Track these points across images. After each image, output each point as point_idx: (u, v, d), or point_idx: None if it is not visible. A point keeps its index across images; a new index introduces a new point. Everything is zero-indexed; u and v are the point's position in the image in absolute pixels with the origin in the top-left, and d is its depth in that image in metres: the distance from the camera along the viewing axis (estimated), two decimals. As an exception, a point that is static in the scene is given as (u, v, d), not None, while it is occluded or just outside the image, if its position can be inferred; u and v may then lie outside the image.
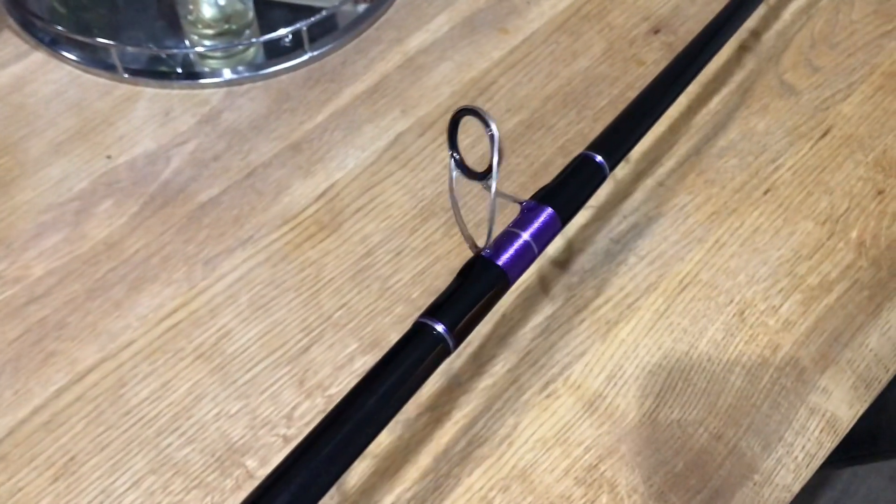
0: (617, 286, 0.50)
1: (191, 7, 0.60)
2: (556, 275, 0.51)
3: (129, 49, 0.60)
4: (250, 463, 0.44)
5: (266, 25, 0.62)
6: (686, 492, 0.43)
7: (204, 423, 0.46)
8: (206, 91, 0.60)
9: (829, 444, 0.45)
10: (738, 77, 0.60)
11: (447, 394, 0.46)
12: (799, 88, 0.59)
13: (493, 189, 0.34)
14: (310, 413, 0.46)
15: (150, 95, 0.59)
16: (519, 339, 0.48)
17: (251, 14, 0.61)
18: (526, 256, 0.36)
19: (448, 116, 0.57)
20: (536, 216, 0.37)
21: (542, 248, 0.37)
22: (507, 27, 0.63)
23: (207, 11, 0.60)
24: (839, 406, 0.46)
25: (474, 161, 0.55)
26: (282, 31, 0.60)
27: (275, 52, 0.61)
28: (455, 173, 0.35)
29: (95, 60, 0.60)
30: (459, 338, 0.33)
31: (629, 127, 0.43)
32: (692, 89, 0.59)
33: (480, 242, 0.36)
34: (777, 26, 0.63)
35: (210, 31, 0.60)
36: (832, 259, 0.51)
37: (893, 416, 0.72)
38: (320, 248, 0.52)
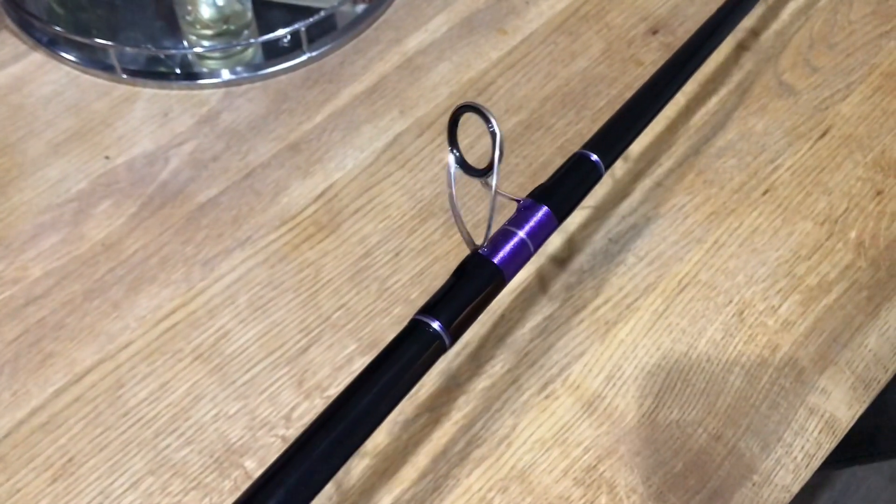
0: (616, 286, 0.50)
1: (189, 7, 0.60)
2: (554, 275, 0.51)
3: (128, 49, 0.60)
4: (249, 464, 0.44)
5: (264, 26, 0.62)
6: (685, 492, 0.43)
7: (202, 423, 0.46)
8: (205, 92, 0.60)
9: (828, 444, 0.45)
10: (737, 77, 0.60)
11: (446, 394, 0.46)
12: (798, 89, 0.59)
13: (494, 185, 0.34)
14: (308, 414, 0.46)
15: (149, 96, 0.59)
16: (518, 340, 0.48)
17: (250, 14, 0.61)
18: (522, 254, 0.36)
19: (447, 117, 0.58)
20: (532, 214, 0.37)
21: (537, 246, 0.37)
22: (505, 28, 0.63)
23: (206, 12, 0.60)
24: (838, 406, 0.46)
25: (474, 160, 0.55)
26: (280, 32, 0.60)
27: (273, 52, 0.61)
28: (454, 170, 0.35)
29: (94, 61, 0.60)
30: (455, 335, 0.33)
31: (625, 126, 0.43)
32: (690, 89, 0.59)
33: (479, 241, 0.36)
34: (775, 26, 0.63)
35: (208, 32, 0.60)
36: (831, 259, 0.51)
37: (892, 417, 0.72)
38: (319, 249, 0.52)
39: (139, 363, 0.48)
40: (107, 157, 0.56)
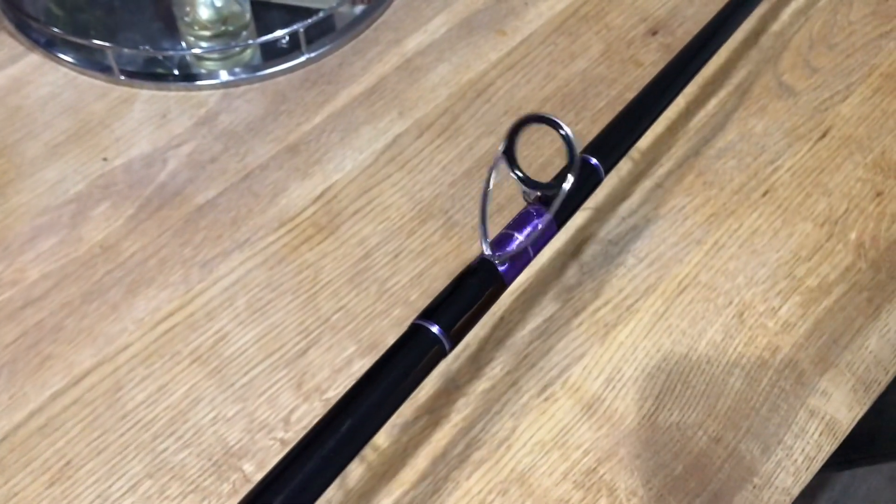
0: (615, 288, 0.50)
1: (187, 9, 0.60)
2: (554, 277, 0.51)
3: (126, 51, 0.60)
4: (247, 467, 0.44)
5: (263, 27, 0.62)
6: (685, 495, 0.43)
7: (201, 426, 0.45)
8: (203, 93, 0.59)
9: (829, 446, 0.45)
10: (737, 78, 0.60)
11: (445, 397, 0.46)
12: (797, 89, 0.59)
13: (564, 192, 0.33)
14: (307, 416, 0.46)
15: (147, 97, 0.59)
16: (517, 342, 0.48)
17: (248, 15, 0.61)
18: (522, 258, 0.36)
19: (446, 118, 0.58)
20: (532, 218, 0.37)
21: (537, 250, 0.37)
22: (504, 29, 0.63)
23: (204, 13, 0.60)
24: (839, 409, 0.46)
25: (471, 162, 0.55)
26: (279, 33, 0.60)
27: (272, 53, 0.61)
28: (493, 178, 0.34)
29: (91, 62, 0.60)
30: (455, 339, 0.33)
31: (625, 129, 0.43)
32: (690, 90, 0.59)
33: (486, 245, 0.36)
34: (775, 27, 0.63)
35: (207, 33, 0.60)
36: (831, 261, 0.51)
37: (893, 419, 0.72)
38: (318, 251, 0.52)
39: (137, 366, 0.47)
40: (105, 159, 0.56)
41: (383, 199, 0.54)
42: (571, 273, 0.51)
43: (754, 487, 0.44)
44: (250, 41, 0.61)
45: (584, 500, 0.43)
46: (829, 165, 0.55)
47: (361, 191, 0.54)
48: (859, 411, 0.46)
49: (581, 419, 0.45)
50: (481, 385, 0.47)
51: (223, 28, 0.60)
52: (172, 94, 0.59)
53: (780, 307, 0.49)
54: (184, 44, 0.61)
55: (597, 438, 0.45)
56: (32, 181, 0.55)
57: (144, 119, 0.58)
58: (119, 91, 0.60)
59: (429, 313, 0.33)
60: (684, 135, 0.57)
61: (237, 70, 0.60)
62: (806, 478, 0.44)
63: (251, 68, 0.60)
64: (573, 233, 0.52)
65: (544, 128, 0.58)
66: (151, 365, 0.47)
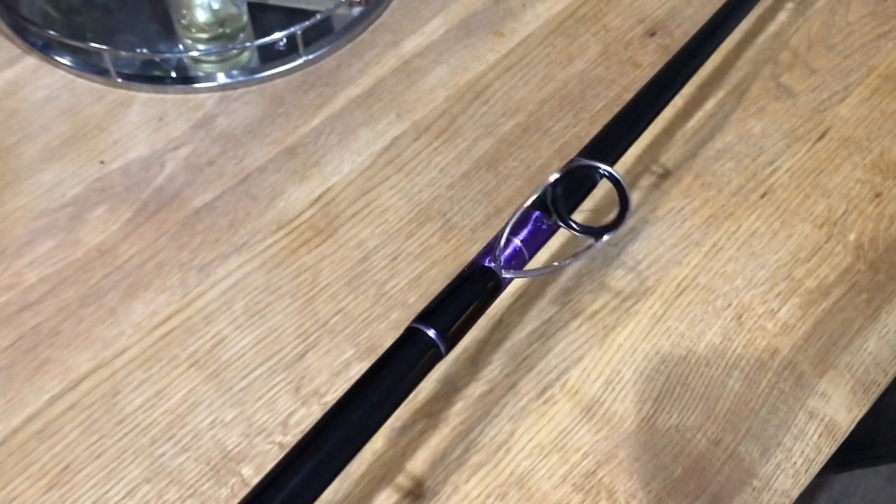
0: (614, 290, 0.50)
1: (184, 11, 0.59)
2: (552, 279, 0.50)
3: (123, 53, 0.60)
4: (246, 471, 0.44)
5: (260, 29, 0.62)
6: (685, 497, 0.43)
7: (199, 431, 0.45)
8: (200, 95, 0.59)
9: (828, 449, 0.45)
10: (735, 79, 0.60)
11: (444, 400, 0.46)
12: (796, 90, 0.59)
13: (609, 238, 0.34)
14: (306, 420, 0.46)
15: (144, 100, 0.59)
16: (516, 345, 0.48)
17: (245, 18, 0.61)
18: (516, 260, 0.36)
19: (444, 120, 0.57)
20: (528, 221, 0.37)
21: (532, 253, 0.37)
22: (502, 30, 0.63)
23: (201, 15, 0.60)
24: (838, 410, 0.46)
25: (468, 169, 0.55)
26: (276, 35, 0.60)
27: (269, 55, 0.61)
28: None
29: (88, 65, 0.60)
30: (451, 343, 0.33)
31: (621, 132, 0.43)
32: (688, 92, 0.59)
33: (476, 249, 0.36)
34: (773, 28, 0.63)
35: (204, 35, 0.60)
36: (830, 262, 0.51)
37: (892, 421, 0.72)
38: (316, 254, 0.52)
39: (135, 370, 0.47)
40: (102, 162, 0.56)
41: (381, 202, 0.54)
42: (570, 275, 0.51)
43: (753, 490, 0.43)
44: (247, 43, 0.61)
45: (583, 503, 0.43)
46: (827, 166, 0.55)
47: (359, 193, 0.54)
48: (858, 413, 0.46)
49: (580, 422, 0.45)
50: (480, 388, 0.46)
51: (220, 30, 0.60)
52: (169, 96, 0.59)
53: (779, 309, 0.49)
54: (181, 46, 0.61)
55: (596, 441, 0.45)
56: (29, 184, 0.55)
57: (141, 122, 0.58)
58: (116, 94, 0.59)
59: (425, 316, 0.33)
60: (682, 136, 0.57)
61: (234, 72, 0.60)
62: (805, 480, 0.44)
63: (248, 71, 0.60)
64: (571, 235, 0.52)
65: (542, 131, 0.58)
66: (149, 369, 0.47)
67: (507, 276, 0.35)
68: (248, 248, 0.52)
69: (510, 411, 0.46)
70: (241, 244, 0.52)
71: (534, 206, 0.38)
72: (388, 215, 0.53)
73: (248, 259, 0.51)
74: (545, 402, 0.46)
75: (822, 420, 0.45)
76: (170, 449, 0.45)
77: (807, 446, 0.45)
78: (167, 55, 0.61)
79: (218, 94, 0.59)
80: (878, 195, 0.54)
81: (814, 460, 0.44)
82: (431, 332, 0.33)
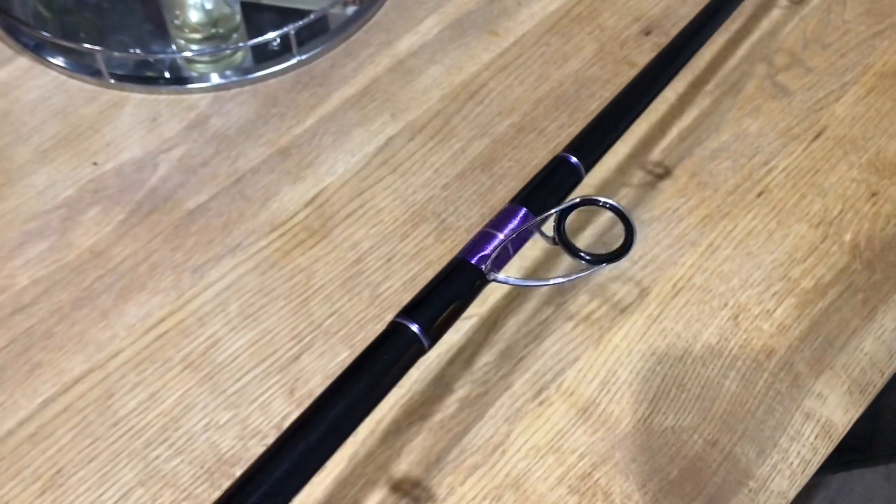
0: (610, 291, 0.50)
1: (177, 11, 0.59)
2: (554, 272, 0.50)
3: (116, 54, 0.59)
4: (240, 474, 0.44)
5: (254, 29, 0.61)
6: (681, 499, 0.43)
7: (193, 433, 0.45)
8: (194, 96, 0.59)
9: (825, 449, 0.45)
10: (731, 78, 0.59)
11: (439, 401, 0.46)
12: (792, 89, 0.59)
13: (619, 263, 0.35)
14: (300, 423, 0.45)
15: (137, 101, 0.59)
16: (511, 346, 0.48)
17: (238, 18, 0.60)
18: (501, 257, 0.36)
19: (438, 120, 0.57)
20: (512, 217, 0.37)
21: (517, 248, 0.37)
22: (497, 29, 0.63)
23: (194, 15, 0.59)
24: (834, 411, 0.46)
25: (462, 169, 0.55)
26: (270, 35, 0.60)
27: (263, 56, 0.61)
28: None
29: (81, 66, 0.60)
30: (435, 337, 0.33)
31: (605, 129, 0.43)
32: (684, 91, 0.59)
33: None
34: (769, 27, 0.63)
35: (197, 36, 0.60)
36: (826, 262, 0.51)
37: (888, 421, 0.71)
38: (310, 255, 0.51)
39: (129, 372, 0.47)
40: (95, 164, 0.56)
41: (376, 203, 0.54)
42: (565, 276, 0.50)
43: (750, 491, 0.43)
44: (241, 44, 0.60)
45: (579, 505, 0.43)
46: (823, 166, 0.55)
47: (354, 194, 0.54)
48: (855, 413, 0.46)
49: (576, 423, 0.45)
50: (475, 389, 0.46)
51: (213, 31, 0.60)
52: (163, 97, 0.59)
53: (775, 309, 0.49)
54: (174, 47, 0.61)
55: (592, 443, 0.45)
56: (21, 186, 0.54)
57: (135, 123, 0.58)
58: (109, 95, 0.59)
59: (409, 311, 0.33)
60: (678, 135, 0.56)
61: (228, 73, 0.60)
62: (802, 481, 0.44)
63: (242, 71, 0.60)
64: (568, 234, 0.52)
65: (537, 131, 0.57)
66: (143, 371, 0.47)
67: (492, 278, 0.36)
68: (242, 249, 0.52)
69: (506, 413, 0.46)
70: (234, 245, 0.52)
71: (520, 202, 0.38)
72: (383, 216, 0.53)
73: (241, 260, 0.51)
74: (541, 403, 0.46)
75: (818, 421, 0.45)
76: (164, 452, 0.44)
77: (803, 447, 0.45)
78: (160, 56, 0.61)
79: (211, 95, 0.59)
80: (874, 194, 0.53)
81: (810, 461, 0.44)
82: (415, 327, 0.33)
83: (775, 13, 0.63)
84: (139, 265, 0.51)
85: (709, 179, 0.54)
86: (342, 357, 0.47)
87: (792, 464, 0.44)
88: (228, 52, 0.60)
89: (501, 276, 0.36)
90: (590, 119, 0.57)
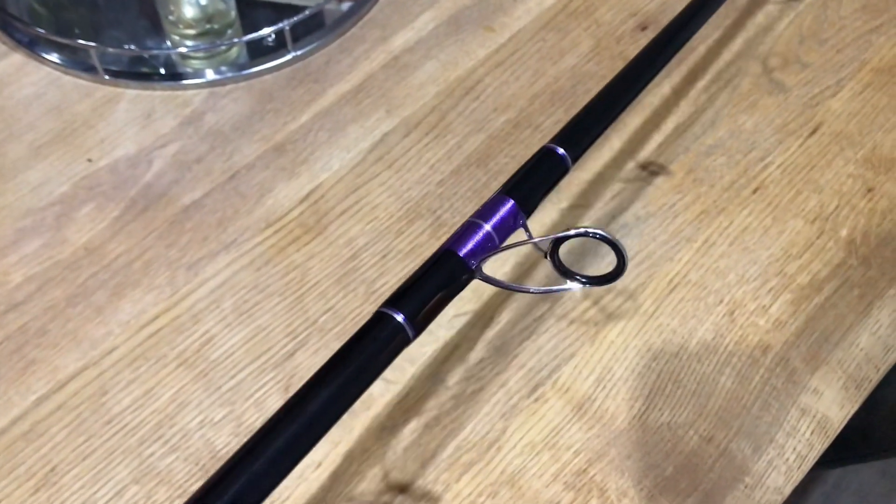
0: (605, 287, 0.50)
1: (172, 7, 0.59)
2: (544, 276, 0.50)
3: (110, 50, 0.59)
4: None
5: (249, 25, 0.61)
6: (677, 495, 0.43)
7: (188, 430, 0.45)
8: (189, 92, 0.59)
9: (820, 445, 0.45)
10: (727, 74, 0.59)
11: (434, 398, 0.46)
12: (788, 85, 0.59)
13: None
14: (295, 420, 0.45)
15: (132, 97, 0.59)
16: (507, 343, 0.48)
17: (233, 13, 0.60)
18: (486, 246, 0.36)
19: (434, 116, 0.57)
20: (499, 207, 0.37)
21: (503, 238, 0.37)
22: (493, 25, 0.62)
23: (189, 11, 0.59)
24: (830, 407, 0.46)
25: (458, 165, 0.55)
26: (265, 31, 0.59)
27: (258, 51, 0.60)
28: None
29: (75, 62, 0.59)
30: (419, 328, 0.33)
31: (592, 120, 0.43)
32: (679, 87, 0.59)
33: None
34: (765, 22, 0.62)
35: (192, 32, 0.59)
36: (822, 258, 0.51)
37: (885, 417, 0.71)
38: (305, 252, 0.51)
39: (123, 369, 0.47)
40: (89, 160, 0.55)
41: (371, 199, 0.53)
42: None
43: (746, 487, 0.43)
44: (236, 39, 0.60)
45: (574, 501, 0.43)
46: (819, 162, 0.55)
47: (349, 190, 0.54)
48: (851, 409, 0.46)
49: (571, 420, 0.45)
50: (471, 386, 0.46)
51: (208, 26, 0.59)
52: (157, 93, 0.59)
53: (770, 305, 0.49)
54: (169, 43, 0.61)
55: (587, 439, 0.45)
56: (15, 183, 0.54)
57: (129, 119, 0.57)
58: (103, 91, 0.59)
59: (393, 301, 0.33)
60: (674, 132, 0.56)
61: (223, 69, 0.59)
62: (798, 476, 0.44)
63: (237, 67, 0.60)
64: (562, 230, 0.52)
65: (532, 127, 0.57)
66: (137, 369, 0.47)
67: (479, 276, 0.36)
68: (237, 246, 0.51)
69: (501, 409, 0.45)
70: (229, 242, 0.51)
71: (507, 192, 0.38)
72: (378, 212, 0.53)
73: (236, 257, 0.51)
74: (536, 399, 0.46)
75: (814, 416, 0.45)
76: (158, 449, 0.44)
77: (799, 443, 0.45)
78: (155, 51, 0.60)
79: (206, 91, 0.59)
80: (870, 190, 0.53)
81: (806, 457, 0.44)
82: (399, 317, 0.33)
83: (771, 9, 0.63)
84: (133, 262, 0.51)
85: (704, 175, 0.54)
86: (337, 354, 0.47)
87: (788, 459, 0.44)
88: (223, 47, 0.60)
89: (489, 273, 0.36)
90: (585, 115, 0.57)
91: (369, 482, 0.43)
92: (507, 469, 0.44)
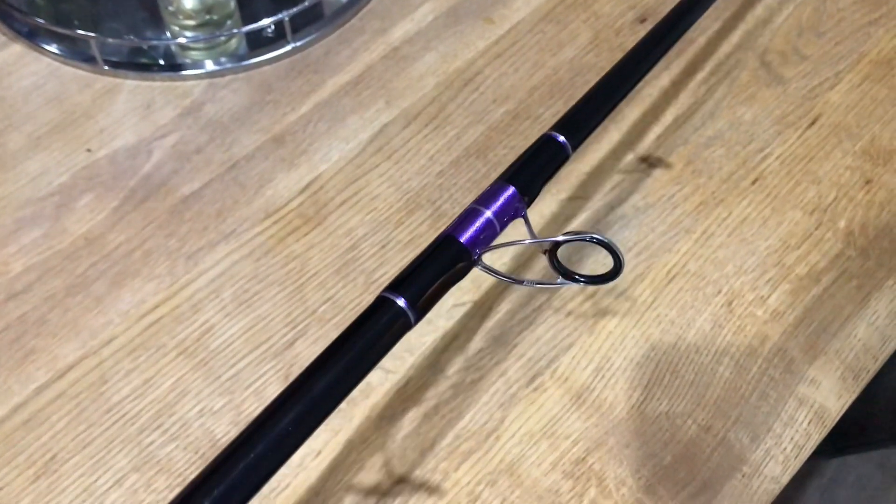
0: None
1: (171, -2, 0.59)
2: (543, 266, 0.50)
3: (110, 41, 0.59)
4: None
5: (248, 16, 0.61)
6: (675, 484, 0.43)
7: (187, 419, 0.45)
8: (188, 83, 0.59)
9: (818, 435, 0.45)
10: (726, 66, 0.59)
11: (433, 388, 0.46)
12: (786, 77, 0.59)
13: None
14: (295, 409, 0.45)
15: (131, 88, 0.59)
16: (506, 333, 0.48)
17: (233, 4, 0.60)
18: (487, 232, 0.36)
19: (433, 107, 0.57)
20: (499, 194, 0.37)
21: (503, 225, 0.37)
22: (492, 16, 0.62)
23: (188, 2, 0.59)
24: (828, 397, 0.46)
25: (457, 156, 0.55)
26: (264, 22, 0.59)
27: (257, 42, 0.60)
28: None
29: (75, 52, 0.59)
30: (421, 313, 0.34)
31: (593, 107, 0.43)
32: (678, 78, 0.59)
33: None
34: (764, 15, 0.62)
35: (191, 22, 0.59)
36: (820, 249, 0.51)
37: (882, 406, 0.72)
38: (305, 242, 0.51)
39: (123, 359, 0.47)
40: (88, 150, 0.55)
41: (370, 190, 0.53)
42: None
43: (743, 476, 0.43)
44: (235, 30, 0.60)
45: (573, 490, 0.43)
46: (818, 153, 0.55)
47: (348, 181, 0.54)
48: (848, 399, 0.46)
49: (570, 409, 0.45)
50: (469, 376, 0.46)
51: (208, 17, 0.59)
52: (157, 84, 0.59)
53: (769, 296, 0.49)
54: (168, 33, 0.60)
55: (586, 428, 0.45)
56: (15, 173, 0.54)
57: (129, 110, 0.57)
58: (103, 81, 0.59)
59: (395, 286, 0.34)
60: (673, 123, 0.56)
61: (222, 60, 0.59)
62: (795, 466, 0.44)
63: (236, 58, 0.60)
64: (562, 222, 0.52)
65: (532, 118, 0.57)
66: (137, 358, 0.47)
67: (480, 265, 0.36)
68: (236, 236, 0.51)
69: (500, 399, 0.46)
70: (229, 232, 0.52)
71: (507, 179, 0.38)
72: (378, 203, 0.53)
73: (236, 247, 0.51)
74: (535, 389, 0.46)
75: (811, 406, 0.45)
76: (158, 438, 0.44)
77: (796, 433, 0.45)
78: (154, 42, 0.60)
79: (205, 82, 0.59)
80: (868, 182, 0.54)
81: (803, 447, 0.44)
82: (401, 301, 0.33)
83: (770, 1, 0.63)
84: (133, 252, 0.51)
85: (703, 167, 0.54)
86: (337, 343, 0.47)
87: (785, 449, 0.44)
88: (223, 38, 0.60)
89: (489, 263, 0.36)
90: (585, 106, 0.57)
91: (368, 471, 0.44)
92: (506, 458, 0.44)
